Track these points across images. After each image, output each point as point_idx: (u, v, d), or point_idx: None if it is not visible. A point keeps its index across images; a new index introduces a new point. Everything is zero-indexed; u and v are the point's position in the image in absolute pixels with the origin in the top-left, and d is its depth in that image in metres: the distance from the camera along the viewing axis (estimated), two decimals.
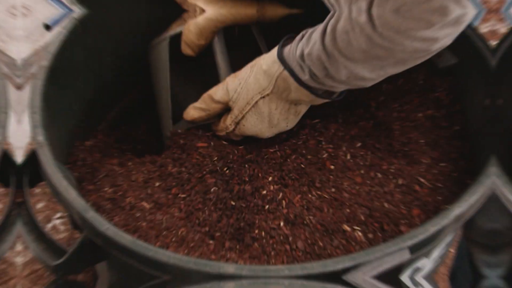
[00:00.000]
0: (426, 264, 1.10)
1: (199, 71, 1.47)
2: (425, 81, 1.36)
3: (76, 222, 1.01)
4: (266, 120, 1.26)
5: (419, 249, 0.97)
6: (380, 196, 1.16)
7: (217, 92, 1.29)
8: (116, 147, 1.41)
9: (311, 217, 1.12)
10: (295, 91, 1.20)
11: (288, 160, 1.26)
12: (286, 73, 1.18)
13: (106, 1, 1.34)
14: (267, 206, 1.16)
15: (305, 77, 1.15)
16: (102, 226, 0.94)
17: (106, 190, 1.15)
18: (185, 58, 1.42)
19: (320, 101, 1.22)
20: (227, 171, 1.24)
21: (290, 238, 1.09)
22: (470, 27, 1.28)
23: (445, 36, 0.99)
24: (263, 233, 1.11)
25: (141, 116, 1.55)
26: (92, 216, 0.96)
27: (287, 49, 1.19)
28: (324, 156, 1.26)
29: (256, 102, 1.24)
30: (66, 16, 2.32)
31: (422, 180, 1.19)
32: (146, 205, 1.13)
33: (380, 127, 1.36)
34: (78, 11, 1.30)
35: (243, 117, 1.27)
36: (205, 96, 1.31)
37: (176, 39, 1.39)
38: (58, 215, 2.12)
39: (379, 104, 1.38)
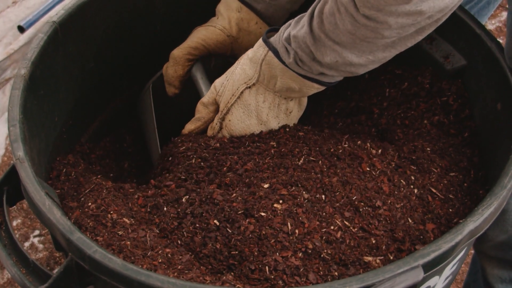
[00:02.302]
0: (437, 282, 1.10)
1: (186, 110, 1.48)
2: (432, 85, 1.35)
3: (60, 243, 0.99)
4: (253, 115, 1.25)
5: (432, 267, 0.96)
6: (406, 212, 1.13)
7: (206, 95, 1.30)
8: (101, 160, 1.40)
9: (329, 251, 1.06)
10: (282, 76, 1.19)
11: (295, 151, 1.20)
12: (270, 54, 1.19)
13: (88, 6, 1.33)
14: (272, 240, 1.07)
15: (289, 59, 1.16)
16: (90, 249, 0.93)
17: (90, 206, 1.14)
18: (172, 101, 1.46)
19: (310, 87, 1.20)
20: (203, 164, 1.19)
21: (301, 270, 1.04)
22: (479, 26, 1.28)
23: (431, 9, 0.99)
24: (266, 267, 1.04)
25: (126, 126, 1.55)
26: (79, 238, 0.94)
27: (274, 35, 1.21)
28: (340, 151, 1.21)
29: (242, 92, 1.24)
30: (42, 17, 2.31)
31: (434, 190, 1.18)
32: (126, 220, 1.11)
33: (383, 135, 1.35)
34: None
35: (228, 111, 1.26)
36: (197, 105, 1.31)
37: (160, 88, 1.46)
38: (36, 232, 2.10)
39: (382, 110, 1.38)
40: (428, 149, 1.26)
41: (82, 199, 1.16)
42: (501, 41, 2.76)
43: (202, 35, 1.41)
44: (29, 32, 2.39)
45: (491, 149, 1.23)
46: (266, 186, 1.14)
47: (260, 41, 1.22)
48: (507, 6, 2.91)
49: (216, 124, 1.28)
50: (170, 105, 1.46)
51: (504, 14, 2.92)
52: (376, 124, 1.37)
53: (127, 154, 1.50)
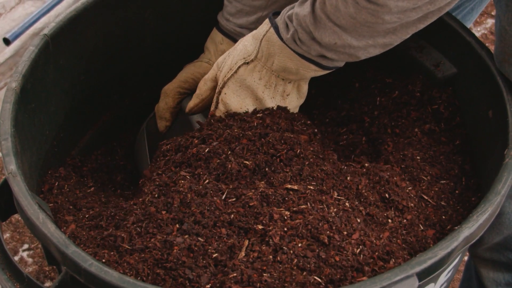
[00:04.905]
0: None
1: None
2: (423, 93, 1.36)
3: (54, 257, 0.99)
4: (249, 91, 1.25)
5: (428, 275, 0.96)
6: (421, 219, 1.14)
7: (209, 71, 1.31)
8: (93, 173, 1.40)
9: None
10: (279, 53, 1.19)
11: (282, 123, 1.19)
12: (271, 31, 1.19)
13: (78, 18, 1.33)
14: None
15: (286, 35, 1.16)
16: (85, 262, 0.92)
17: (85, 218, 1.14)
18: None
19: (307, 69, 1.19)
20: (173, 144, 1.17)
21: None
22: (470, 34, 1.29)
23: None
24: None
25: (118, 139, 1.54)
26: (74, 251, 0.93)
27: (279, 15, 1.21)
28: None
29: (239, 67, 1.24)
30: (27, 29, 2.31)
31: (425, 197, 1.19)
32: (103, 224, 1.11)
33: (374, 144, 1.36)
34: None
35: (224, 85, 1.25)
36: (200, 81, 1.32)
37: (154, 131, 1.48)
38: (25, 246, 2.09)
39: (373, 119, 1.39)
40: (418, 157, 1.26)
41: (78, 212, 1.16)
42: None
43: (191, 70, 1.45)
44: (15, 45, 2.38)
45: (482, 157, 1.24)
46: (248, 162, 1.11)
47: (266, 19, 1.22)
48: (492, 13, 2.94)
49: (214, 100, 1.27)
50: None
51: (490, 21, 2.94)
52: (367, 133, 1.38)
53: (119, 167, 1.49)
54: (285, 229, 1.02)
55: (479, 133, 1.27)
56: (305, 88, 1.27)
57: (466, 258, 1.79)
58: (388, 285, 0.91)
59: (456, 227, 1.03)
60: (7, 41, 2.33)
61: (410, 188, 1.18)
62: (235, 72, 1.24)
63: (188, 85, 1.44)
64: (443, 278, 1.12)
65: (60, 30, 1.28)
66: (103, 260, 1.00)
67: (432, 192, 1.20)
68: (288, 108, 1.26)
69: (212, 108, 1.28)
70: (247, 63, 1.23)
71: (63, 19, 1.29)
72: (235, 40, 1.43)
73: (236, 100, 1.25)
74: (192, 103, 1.33)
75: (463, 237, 0.98)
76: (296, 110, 1.29)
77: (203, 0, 1.48)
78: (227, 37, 1.44)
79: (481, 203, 1.04)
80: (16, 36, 2.32)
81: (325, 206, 1.07)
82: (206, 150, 1.13)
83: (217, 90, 1.27)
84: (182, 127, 1.37)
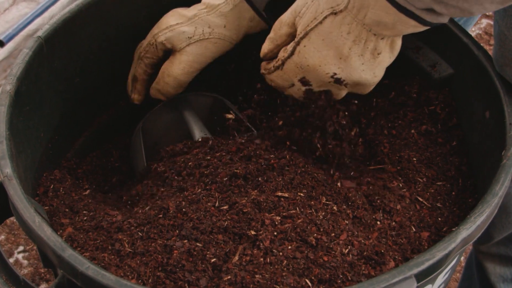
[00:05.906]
0: None
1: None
2: (419, 94, 1.36)
3: (51, 260, 0.99)
4: (333, 46, 1.09)
5: (425, 276, 0.96)
6: (413, 221, 1.14)
7: (286, 13, 1.17)
8: (88, 175, 1.40)
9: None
10: (374, 5, 1.01)
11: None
12: None
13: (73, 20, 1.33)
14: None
15: None
16: (82, 265, 0.92)
17: (82, 220, 1.13)
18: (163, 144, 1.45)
19: (406, 24, 1.02)
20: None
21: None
22: (466, 35, 1.30)
23: None
24: None
25: (113, 141, 1.54)
26: (70, 254, 0.93)
27: None
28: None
29: (325, 18, 1.07)
30: (21, 31, 2.30)
31: (420, 199, 1.19)
32: (104, 225, 1.11)
33: (370, 145, 1.36)
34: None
35: (305, 35, 1.10)
36: (275, 22, 1.19)
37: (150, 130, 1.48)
38: (20, 248, 2.09)
39: (370, 120, 1.39)
40: (415, 159, 1.26)
41: (75, 215, 1.16)
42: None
43: (211, 53, 1.37)
44: (8, 46, 2.37)
45: (479, 158, 1.24)
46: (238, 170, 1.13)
47: None
48: (487, 13, 2.94)
49: (290, 46, 1.14)
50: (161, 146, 1.46)
51: (484, 22, 2.95)
52: (364, 134, 1.38)
53: (115, 168, 1.49)
54: (275, 233, 1.04)
55: (476, 134, 1.27)
56: (399, 44, 1.13)
57: (464, 258, 1.79)
58: (386, 287, 0.91)
59: (453, 229, 1.03)
60: (0, 43, 2.32)
61: (404, 190, 1.19)
62: (320, 22, 1.08)
63: (202, 67, 1.39)
64: (440, 279, 1.12)
65: (55, 32, 1.27)
66: (103, 263, 1.00)
67: (428, 193, 1.20)
68: (375, 71, 1.14)
69: (285, 55, 1.15)
70: (335, 13, 1.06)
71: (57, 21, 1.29)
72: (266, 20, 1.31)
73: (316, 56, 1.10)
74: (266, 48, 1.20)
75: (461, 239, 0.98)
76: (383, 71, 1.15)
77: (197, 1, 1.47)
78: (259, 15, 1.32)
79: (478, 204, 1.04)
80: (10, 37, 2.31)
81: (313, 210, 1.09)
82: (191, 164, 1.15)
83: (295, 40, 1.12)
84: (182, 136, 1.38)
